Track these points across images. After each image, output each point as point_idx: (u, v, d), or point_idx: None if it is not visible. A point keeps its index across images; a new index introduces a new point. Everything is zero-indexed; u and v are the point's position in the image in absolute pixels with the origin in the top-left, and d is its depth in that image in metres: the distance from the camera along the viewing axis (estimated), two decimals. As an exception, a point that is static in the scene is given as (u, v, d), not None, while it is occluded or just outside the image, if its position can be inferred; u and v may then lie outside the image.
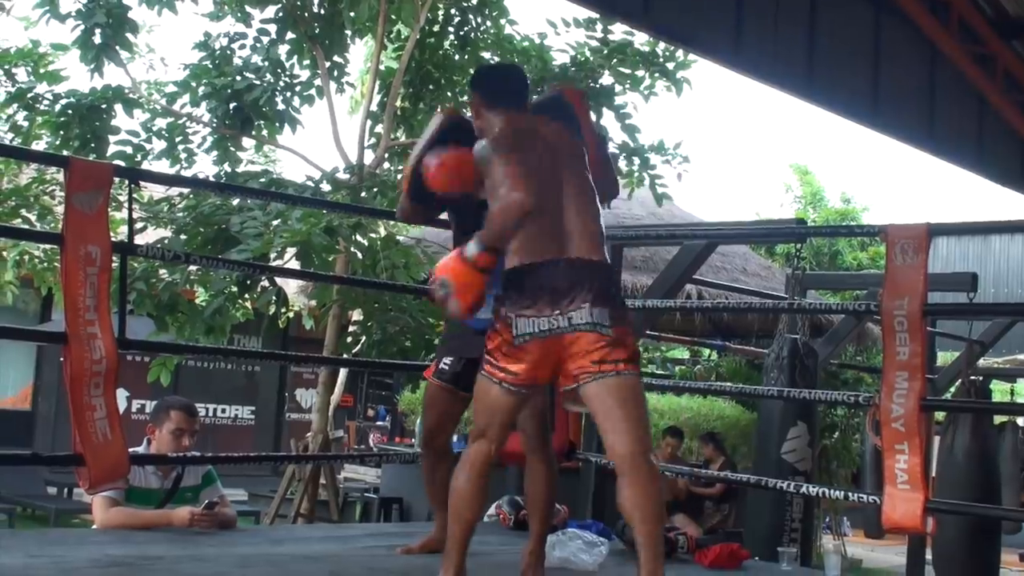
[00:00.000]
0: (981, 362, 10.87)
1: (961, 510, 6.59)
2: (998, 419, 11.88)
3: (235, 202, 7.87)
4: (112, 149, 8.55)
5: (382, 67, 9.52)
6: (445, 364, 4.25)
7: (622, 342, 3.42)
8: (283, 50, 9.07)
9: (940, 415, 8.36)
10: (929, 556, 8.34)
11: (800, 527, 6.64)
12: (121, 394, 11.78)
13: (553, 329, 3.39)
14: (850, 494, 4.99)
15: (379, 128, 9.40)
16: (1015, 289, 16.36)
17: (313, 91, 9.15)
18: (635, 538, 3.34)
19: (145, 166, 8.61)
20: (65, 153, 8.05)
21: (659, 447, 9.95)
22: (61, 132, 8.46)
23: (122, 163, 8.16)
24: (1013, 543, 11.41)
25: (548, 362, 3.45)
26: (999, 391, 15.02)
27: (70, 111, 8.45)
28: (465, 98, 9.84)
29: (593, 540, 4.38)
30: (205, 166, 9.13)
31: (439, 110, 4.37)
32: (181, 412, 4.73)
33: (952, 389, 9.46)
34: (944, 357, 11.03)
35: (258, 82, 8.77)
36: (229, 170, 8.89)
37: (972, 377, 8.82)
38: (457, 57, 9.59)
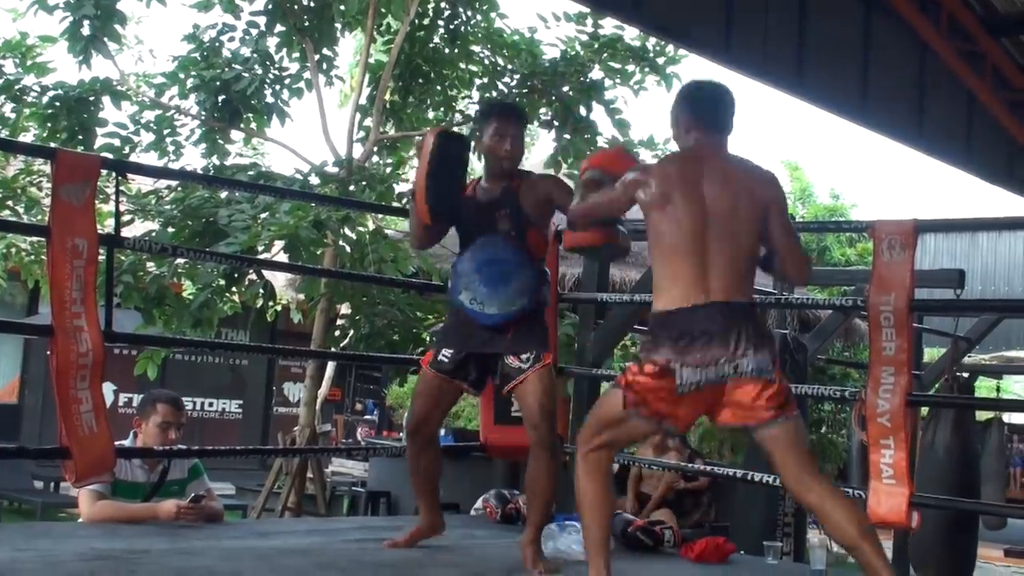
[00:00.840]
0: (968, 359, 10.90)
1: (946, 505, 6.61)
2: (984, 415, 11.94)
3: (223, 195, 7.85)
4: (100, 141, 8.53)
5: (371, 60, 9.50)
6: (445, 355, 4.21)
7: (783, 387, 3.46)
8: (272, 43, 9.05)
9: (925, 411, 8.39)
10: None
11: (793, 521, 6.66)
12: (108, 388, 11.74)
13: (721, 376, 3.38)
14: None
15: (368, 122, 9.38)
16: (1002, 286, 16.41)
17: (302, 84, 9.14)
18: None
19: (133, 158, 8.58)
20: (52, 145, 8.02)
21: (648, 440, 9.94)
22: (49, 124, 8.44)
23: (110, 155, 8.13)
24: (998, 539, 11.45)
25: (704, 405, 3.48)
26: (985, 388, 15.05)
27: (58, 103, 8.43)
28: (454, 92, 9.86)
29: None
30: (193, 159, 9.13)
31: (428, 131, 4.38)
32: (168, 405, 4.72)
33: (937, 385, 9.49)
34: (931, 354, 11.04)
35: (247, 74, 8.75)
36: (217, 163, 8.87)
37: (958, 374, 8.85)
38: (447, 51, 9.58)
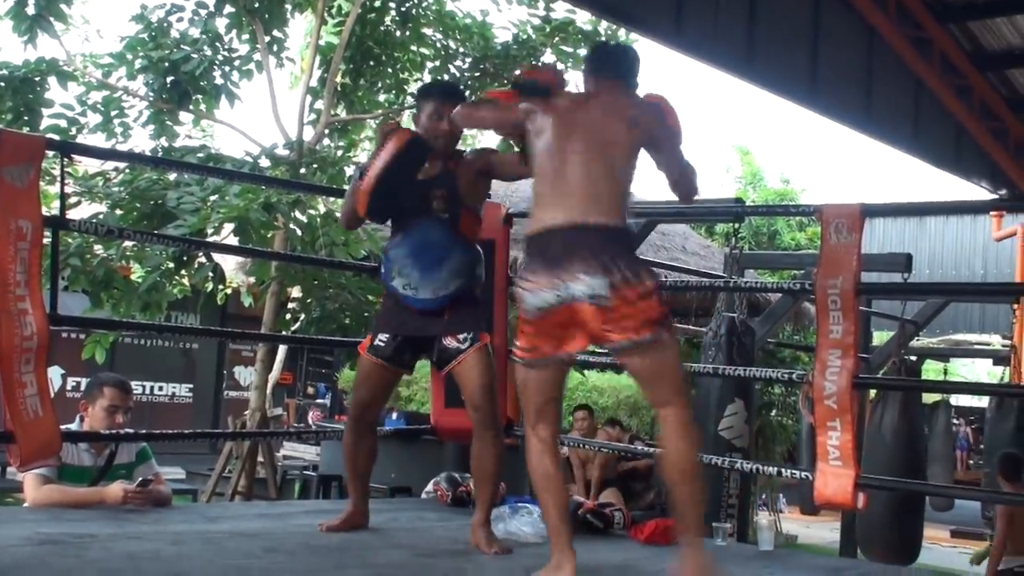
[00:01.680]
0: (916, 342, 11.04)
1: (891, 486, 6.69)
2: (931, 398, 12.09)
3: (172, 177, 7.78)
4: (46, 123, 8.42)
5: (322, 42, 9.45)
6: (381, 340, 4.21)
7: (642, 308, 3.35)
8: (222, 23, 8.96)
9: (873, 394, 8.48)
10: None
11: (736, 503, 6.71)
12: (56, 371, 11.70)
13: (560, 300, 3.34)
14: (784, 471, 5.05)
15: (319, 104, 9.34)
16: (949, 270, 16.59)
17: (252, 66, 9.06)
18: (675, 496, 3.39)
19: (80, 140, 8.48)
20: (-4, 126, 7.93)
21: (573, 425, 9.98)
22: (-7, 104, 8.32)
23: (56, 136, 8.03)
24: (944, 519, 11.62)
25: (563, 333, 3.41)
26: (932, 371, 15.26)
27: (2, 83, 8.30)
28: (406, 75, 9.83)
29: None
30: (141, 140, 9.03)
31: (387, 125, 4.38)
32: (115, 388, 4.67)
33: (885, 368, 9.60)
34: (879, 337, 11.16)
35: (196, 55, 8.67)
36: (166, 144, 8.79)
37: (905, 356, 8.95)
38: (398, 33, 9.55)
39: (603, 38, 9.29)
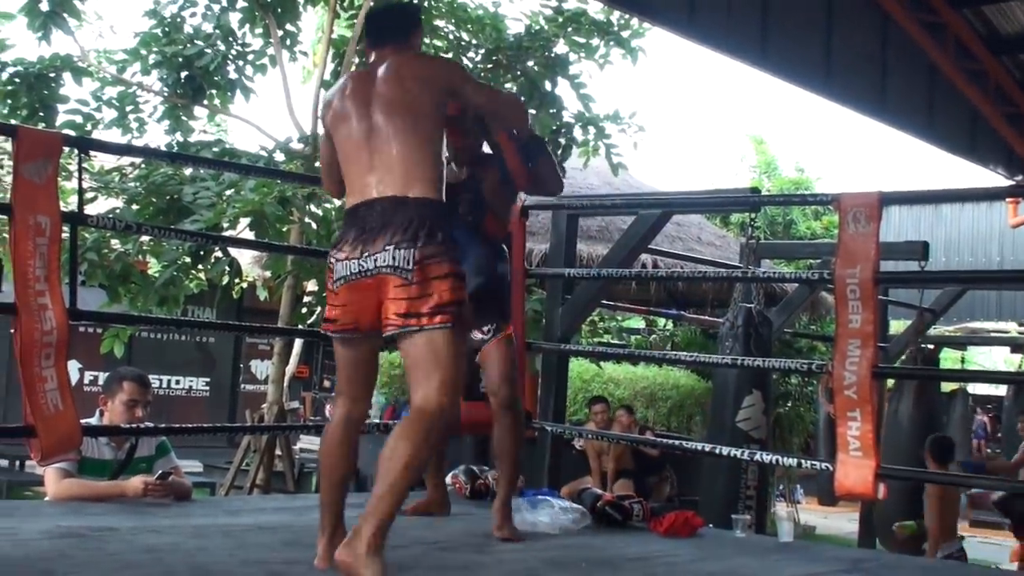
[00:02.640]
0: (933, 330, 11.01)
1: (913, 476, 6.68)
2: (948, 387, 12.07)
3: (187, 172, 7.79)
4: (61, 118, 8.42)
5: (335, 35, 9.43)
6: None
7: (428, 290, 3.26)
8: (234, 18, 8.95)
9: (891, 383, 8.47)
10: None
11: (755, 494, 6.71)
12: (73, 366, 11.74)
13: (362, 272, 3.31)
14: (803, 462, 5.03)
15: (333, 97, 9.32)
16: (966, 257, 16.51)
17: (266, 60, 9.05)
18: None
19: (95, 135, 8.49)
20: (13, 122, 7.93)
21: (590, 418, 10.00)
22: (9, 101, 8.32)
23: (72, 132, 8.05)
24: (962, 509, 11.57)
25: (366, 307, 3.36)
26: (950, 359, 15.22)
27: (18, 80, 8.31)
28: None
29: (566, 507, 4.59)
30: (156, 136, 9.05)
31: None
32: (134, 383, 4.70)
33: (903, 357, 9.58)
34: (897, 325, 11.13)
35: (209, 50, 8.67)
36: (181, 139, 8.79)
37: (923, 345, 8.94)
38: (411, 25, 9.51)
39: (616, 28, 9.28)
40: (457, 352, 3.31)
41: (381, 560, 3.08)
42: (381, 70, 3.53)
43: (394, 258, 3.25)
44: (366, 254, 3.30)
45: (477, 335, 4.27)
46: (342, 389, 3.57)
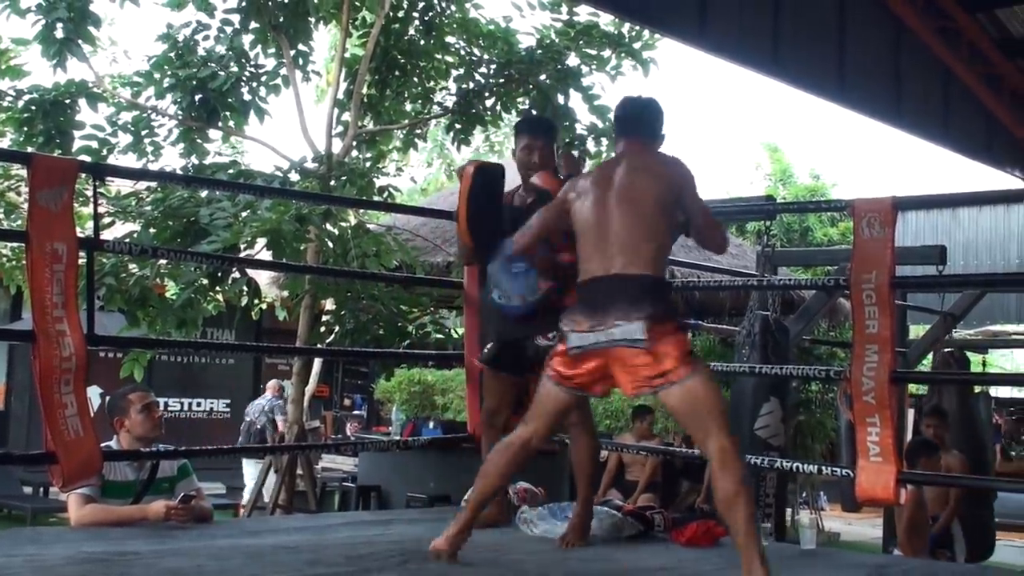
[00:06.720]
0: (955, 334, 10.94)
1: (929, 480, 6.63)
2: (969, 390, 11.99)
3: (203, 194, 7.83)
4: (77, 144, 8.49)
5: (347, 54, 9.48)
6: (487, 349, 4.66)
7: (665, 353, 3.57)
8: (247, 40, 9.01)
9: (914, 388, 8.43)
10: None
11: (774, 502, 6.69)
12: (94, 391, 11.75)
13: (597, 343, 3.63)
14: (824, 468, 5.02)
15: (346, 116, 9.36)
16: (984, 260, 16.42)
17: (279, 80, 9.11)
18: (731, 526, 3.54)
19: (111, 160, 8.54)
20: (29, 150, 7.99)
21: (632, 428, 10.00)
22: (25, 128, 8.39)
23: (87, 158, 8.09)
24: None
25: (601, 372, 3.72)
26: (972, 363, 15.12)
27: (33, 107, 8.38)
28: (431, 83, 9.85)
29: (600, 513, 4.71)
30: (172, 159, 9.08)
31: (467, 164, 4.80)
32: (137, 391, 4.80)
33: (926, 361, 9.53)
34: (916, 330, 11.07)
35: (222, 72, 8.73)
36: (196, 162, 8.83)
37: (946, 349, 8.90)
38: (423, 42, 9.56)
39: (627, 39, 9.28)
40: (713, 388, 3.66)
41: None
42: (626, 163, 3.90)
43: (629, 330, 3.58)
44: (600, 327, 3.62)
45: (542, 341, 4.41)
46: (534, 421, 3.89)
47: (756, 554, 3.45)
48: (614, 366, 3.66)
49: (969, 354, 13.91)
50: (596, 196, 3.83)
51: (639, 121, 4.08)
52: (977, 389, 12.13)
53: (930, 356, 9.34)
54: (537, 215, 4.13)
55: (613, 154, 4.22)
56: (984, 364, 15.12)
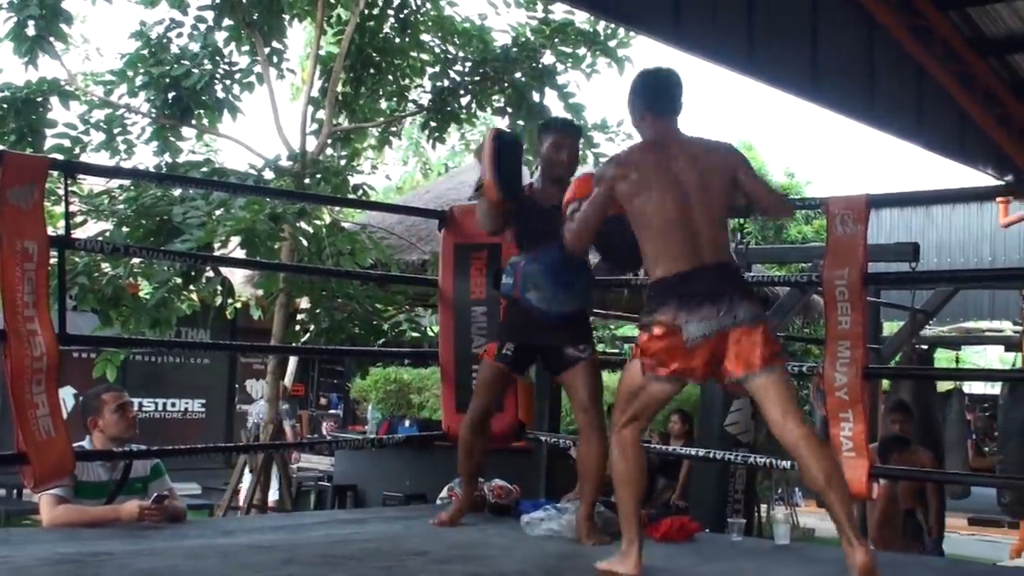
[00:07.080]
0: (928, 331, 11.00)
1: (904, 475, 6.67)
2: (944, 386, 12.06)
3: (177, 192, 7.79)
4: (49, 142, 8.43)
5: (322, 52, 9.46)
6: (509, 349, 4.67)
7: (767, 337, 3.70)
8: (221, 37, 8.97)
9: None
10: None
11: (743, 498, 6.73)
12: (67, 391, 11.68)
13: (708, 333, 3.67)
14: (796, 464, 5.03)
15: (321, 114, 9.34)
16: (957, 259, 16.51)
17: (253, 78, 9.07)
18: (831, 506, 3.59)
19: (84, 158, 8.48)
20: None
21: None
22: (-3, 126, 8.33)
23: (60, 156, 8.04)
24: (960, 507, 11.57)
25: (705, 359, 3.73)
26: (944, 359, 15.21)
27: (5, 105, 8.32)
28: (406, 81, 9.84)
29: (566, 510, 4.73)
30: (145, 157, 9.05)
31: (487, 132, 4.87)
32: (111, 391, 4.77)
33: (897, 358, 9.58)
34: (890, 327, 11.13)
35: (196, 70, 8.68)
36: (170, 160, 8.78)
37: (916, 345, 8.95)
38: (398, 40, 9.54)
39: (602, 37, 9.29)
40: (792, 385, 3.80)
41: None
42: (679, 151, 3.87)
43: (750, 309, 3.70)
44: (722, 311, 3.67)
45: (572, 352, 4.57)
46: (638, 417, 3.87)
47: (853, 529, 3.54)
48: (731, 348, 3.68)
49: (942, 351, 14.02)
50: (664, 189, 3.78)
51: (675, 100, 4.04)
52: (951, 385, 12.21)
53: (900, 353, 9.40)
54: (581, 215, 4.03)
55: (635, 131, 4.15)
56: (957, 360, 15.21)
